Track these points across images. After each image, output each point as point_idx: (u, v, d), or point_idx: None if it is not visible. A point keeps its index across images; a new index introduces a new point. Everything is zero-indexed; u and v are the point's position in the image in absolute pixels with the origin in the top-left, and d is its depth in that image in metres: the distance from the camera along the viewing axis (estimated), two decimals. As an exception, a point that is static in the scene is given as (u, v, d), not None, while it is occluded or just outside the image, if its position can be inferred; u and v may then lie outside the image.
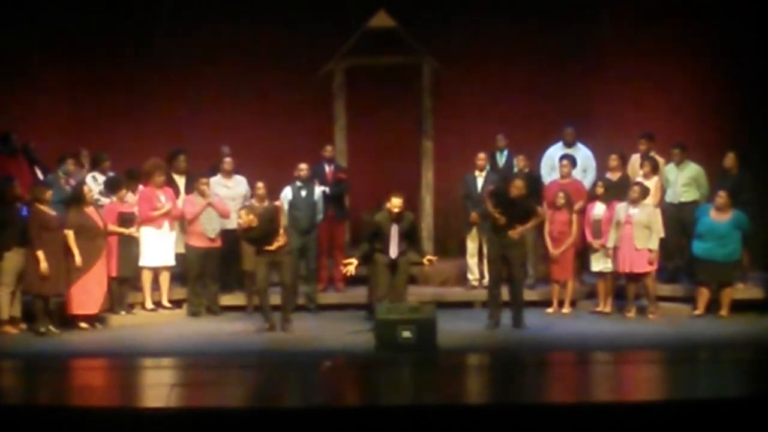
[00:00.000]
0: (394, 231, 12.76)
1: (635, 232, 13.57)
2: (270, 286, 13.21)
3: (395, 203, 12.80)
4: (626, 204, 13.74)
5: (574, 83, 16.43)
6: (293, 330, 13.04)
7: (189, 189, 14.46)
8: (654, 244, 13.60)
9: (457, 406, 9.16)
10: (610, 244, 13.77)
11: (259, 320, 13.37)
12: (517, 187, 13.25)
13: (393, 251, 12.75)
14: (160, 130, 15.96)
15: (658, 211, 13.85)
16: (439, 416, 8.66)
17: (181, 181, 14.60)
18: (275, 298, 13.24)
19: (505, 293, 13.36)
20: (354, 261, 12.84)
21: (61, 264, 12.87)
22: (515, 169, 14.89)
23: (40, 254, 12.64)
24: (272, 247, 12.97)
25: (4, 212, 12.77)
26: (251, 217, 12.91)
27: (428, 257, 13.02)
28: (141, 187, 14.11)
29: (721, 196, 13.56)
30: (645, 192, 13.82)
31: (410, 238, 13.03)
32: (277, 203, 13.58)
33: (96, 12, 16.13)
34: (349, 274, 13.02)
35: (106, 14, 16.13)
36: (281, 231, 13.04)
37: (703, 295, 13.70)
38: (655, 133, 14.93)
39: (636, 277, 13.77)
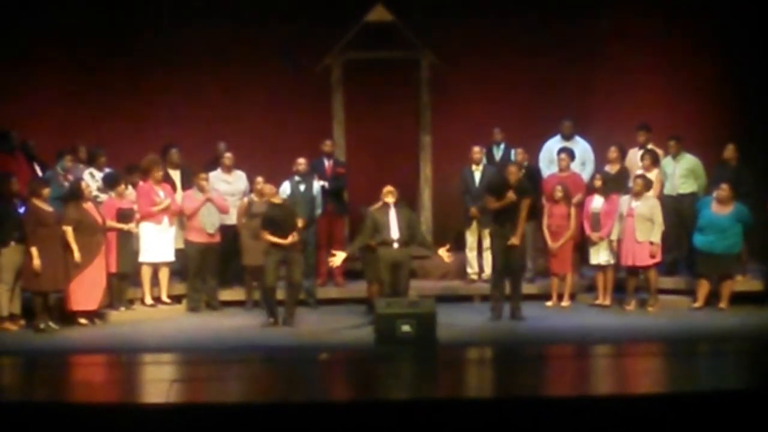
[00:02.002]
0: (393, 219, 12.77)
1: (637, 225, 13.57)
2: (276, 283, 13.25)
3: (387, 189, 12.86)
4: (629, 197, 13.74)
5: (571, 76, 16.43)
6: (296, 324, 13.06)
7: (184, 183, 14.47)
8: (656, 237, 13.59)
9: (457, 400, 9.17)
10: (614, 236, 13.77)
11: (260, 315, 13.39)
12: (512, 172, 13.30)
13: (394, 233, 12.73)
14: (157, 125, 15.94)
15: (659, 203, 13.84)
16: (439, 410, 8.66)
17: (175, 175, 14.59)
18: (278, 293, 13.24)
19: (505, 286, 13.40)
20: (343, 254, 12.89)
21: (59, 260, 12.86)
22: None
23: (34, 251, 12.63)
24: (286, 241, 12.97)
25: (1, 209, 12.78)
26: (274, 191, 13.07)
27: (442, 250, 12.99)
28: (140, 182, 14.11)
29: (724, 189, 13.54)
30: (648, 184, 13.81)
31: (414, 235, 13.07)
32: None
33: (93, 9, 16.11)
34: (333, 265, 13.03)
35: (103, 11, 16.10)
36: (297, 227, 13.08)
37: (703, 287, 13.71)
38: (653, 126, 14.93)
39: (638, 270, 13.77)
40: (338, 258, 12.93)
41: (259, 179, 13.93)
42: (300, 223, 13.24)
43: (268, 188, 13.42)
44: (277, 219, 13.07)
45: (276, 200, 13.25)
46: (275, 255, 13.04)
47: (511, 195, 13.18)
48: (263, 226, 13.15)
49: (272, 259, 13.05)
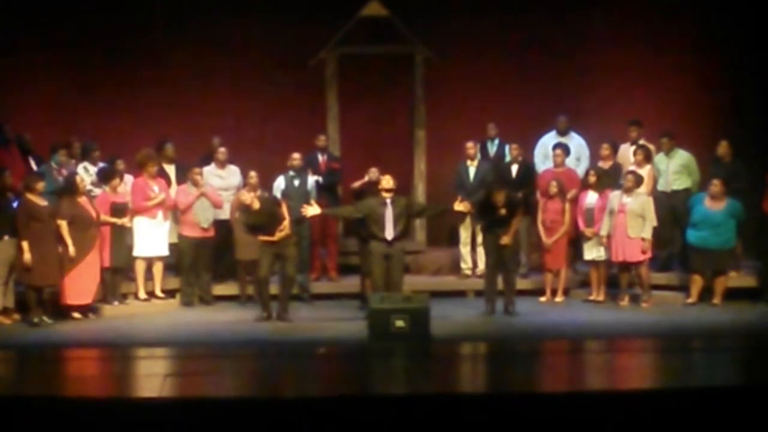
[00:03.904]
0: (389, 213, 12.79)
1: (628, 221, 13.58)
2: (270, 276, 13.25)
3: (387, 180, 12.92)
4: (620, 193, 13.76)
5: (565, 72, 16.45)
6: (290, 319, 13.06)
7: (179, 177, 14.47)
8: (647, 233, 13.60)
9: (451, 395, 9.17)
10: (603, 232, 13.78)
11: (253, 310, 13.39)
12: (499, 200, 13.30)
13: (389, 233, 12.76)
14: (152, 120, 15.95)
15: (651, 200, 13.85)
16: (433, 405, 8.66)
17: (170, 169, 14.60)
18: (272, 288, 13.25)
19: (498, 281, 13.43)
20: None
21: (53, 254, 12.85)
22: (507, 158, 14.94)
23: (25, 245, 12.61)
24: (274, 238, 12.98)
25: (-5, 203, 12.80)
26: (252, 195, 12.97)
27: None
28: (128, 176, 14.13)
29: (716, 185, 13.57)
30: (639, 180, 13.83)
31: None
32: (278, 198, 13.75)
33: (89, 4, 16.09)
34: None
35: (98, 6, 16.09)
36: (285, 223, 13.05)
37: (697, 283, 13.72)
38: (646, 122, 14.96)
39: (629, 266, 13.78)
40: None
41: (253, 174, 13.91)
42: (285, 213, 13.17)
43: (244, 196, 13.25)
44: (258, 224, 13.06)
45: (254, 206, 13.15)
46: (270, 248, 13.05)
47: (502, 212, 13.23)
48: (249, 233, 13.20)
49: (267, 251, 13.07)
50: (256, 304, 13.45)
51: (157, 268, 14.11)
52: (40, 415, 8.52)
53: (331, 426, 8.41)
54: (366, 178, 14.16)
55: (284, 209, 13.18)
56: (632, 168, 14.16)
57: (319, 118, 15.68)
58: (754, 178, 14.09)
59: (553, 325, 12.79)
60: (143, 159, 14.02)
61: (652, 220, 13.66)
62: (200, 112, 16.21)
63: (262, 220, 13.05)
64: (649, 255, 13.74)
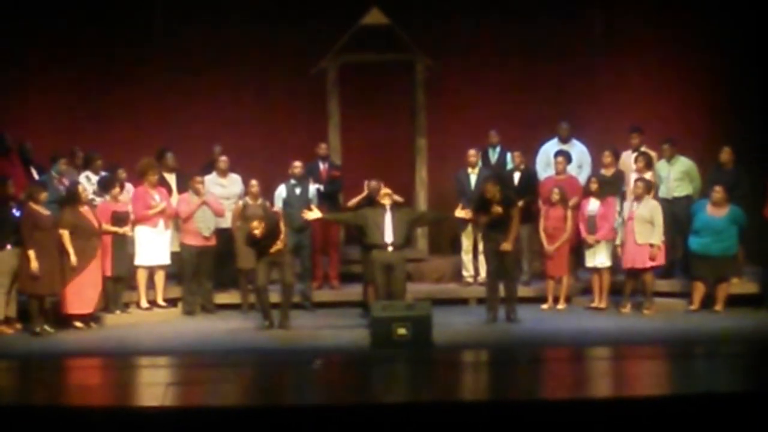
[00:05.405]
0: (388, 219, 12.81)
1: (636, 227, 13.57)
2: (269, 284, 13.23)
3: (384, 192, 13.00)
4: (631, 200, 13.74)
5: (567, 79, 16.46)
6: (292, 327, 13.05)
7: (180, 186, 14.47)
8: (657, 239, 13.59)
9: (453, 403, 9.16)
10: (618, 241, 13.77)
11: (255, 318, 13.40)
12: (489, 190, 13.29)
13: (389, 237, 12.77)
14: (153, 129, 15.97)
15: (659, 206, 13.81)
16: (435, 413, 8.66)
17: (171, 178, 14.61)
18: (273, 296, 13.25)
19: (500, 289, 13.41)
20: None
21: (55, 264, 12.86)
22: (509, 165, 14.95)
23: (31, 254, 12.62)
24: (271, 250, 12.99)
25: (-3, 212, 12.79)
26: (263, 224, 12.92)
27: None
28: (129, 185, 14.13)
29: (718, 192, 13.56)
30: (648, 186, 13.81)
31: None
32: (276, 210, 13.77)
33: (90, 12, 16.12)
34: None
35: (99, 14, 16.11)
36: (281, 237, 13.07)
37: (699, 290, 13.71)
38: (649, 129, 14.96)
39: (637, 273, 13.75)
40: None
41: (253, 182, 13.93)
42: (283, 226, 13.20)
43: (256, 230, 12.96)
44: (262, 243, 13.05)
45: (258, 232, 13.12)
46: (265, 257, 13.05)
47: (497, 209, 13.20)
48: (250, 246, 13.19)
49: (263, 260, 13.07)
50: (258, 312, 13.45)
51: (159, 277, 14.11)
52: (42, 425, 8.53)
53: (333, 434, 8.43)
54: (366, 192, 14.11)
55: (281, 223, 13.21)
56: (637, 176, 14.14)
57: (320, 127, 15.69)
58: (755, 185, 14.08)
59: (555, 333, 12.79)
60: (144, 168, 14.02)
61: (661, 226, 13.63)
62: (201, 121, 16.22)
63: (266, 240, 13.03)
64: (660, 261, 13.70)
